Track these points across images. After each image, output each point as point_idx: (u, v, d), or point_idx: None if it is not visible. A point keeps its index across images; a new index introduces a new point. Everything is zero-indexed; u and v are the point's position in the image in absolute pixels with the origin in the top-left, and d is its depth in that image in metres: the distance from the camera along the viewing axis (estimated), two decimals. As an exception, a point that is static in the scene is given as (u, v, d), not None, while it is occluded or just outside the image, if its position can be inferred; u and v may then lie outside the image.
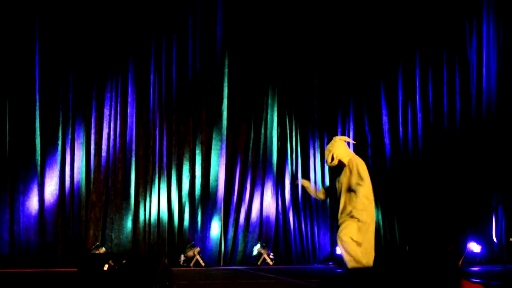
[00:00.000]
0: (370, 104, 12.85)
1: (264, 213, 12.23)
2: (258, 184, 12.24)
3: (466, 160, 12.35)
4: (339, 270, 9.03)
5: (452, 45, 12.66)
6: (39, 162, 11.21)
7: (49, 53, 11.38)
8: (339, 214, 8.43)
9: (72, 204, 11.34)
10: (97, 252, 10.87)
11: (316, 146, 12.56)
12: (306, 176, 12.10)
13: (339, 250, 8.85)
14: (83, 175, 11.45)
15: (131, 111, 11.75)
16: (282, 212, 12.36)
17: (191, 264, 11.37)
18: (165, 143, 11.89)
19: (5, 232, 11.01)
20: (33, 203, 11.13)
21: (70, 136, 11.44)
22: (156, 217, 11.67)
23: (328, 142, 12.52)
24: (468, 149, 12.36)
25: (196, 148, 12.00)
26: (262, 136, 12.40)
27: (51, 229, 11.20)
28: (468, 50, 12.56)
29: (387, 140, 12.69)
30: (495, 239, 11.80)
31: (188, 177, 11.90)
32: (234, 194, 12.12)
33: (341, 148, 8.75)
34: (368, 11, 12.80)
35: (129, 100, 11.75)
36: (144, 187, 11.73)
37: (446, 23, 12.71)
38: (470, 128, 12.43)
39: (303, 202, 12.41)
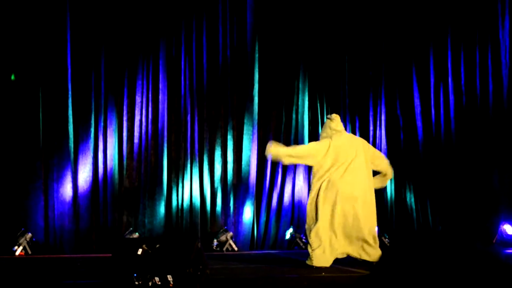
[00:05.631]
0: (402, 87, 12.77)
1: (296, 198, 12.23)
2: (290, 168, 12.23)
3: (499, 141, 12.22)
4: None
5: (484, 25, 12.50)
6: (72, 149, 11.30)
7: (81, 41, 11.45)
8: None
9: (106, 191, 11.43)
10: (130, 237, 10.95)
11: (347, 129, 12.49)
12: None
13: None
14: (116, 162, 11.53)
15: (162, 97, 11.79)
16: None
17: (224, 249, 11.42)
18: (196, 128, 11.93)
19: (40, 218, 11.13)
20: (67, 190, 11.24)
21: (102, 123, 11.52)
22: (189, 203, 11.73)
23: (360, 126, 12.63)
24: (501, 131, 12.23)
25: (228, 133, 12.01)
26: (294, 121, 12.39)
27: (85, 216, 11.31)
28: (500, 31, 12.41)
29: (419, 123, 12.61)
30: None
31: (220, 163, 11.93)
32: (266, 179, 12.13)
33: (324, 129, 9.09)
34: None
35: (160, 86, 11.79)
36: (176, 173, 11.78)
37: (478, 4, 12.56)
38: (503, 110, 12.29)
39: (335, 186, 12.38)
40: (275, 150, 8.84)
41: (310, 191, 8.80)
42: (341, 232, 8.53)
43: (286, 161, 9.00)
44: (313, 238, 8.46)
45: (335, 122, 8.96)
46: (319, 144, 8.86)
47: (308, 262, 8.49)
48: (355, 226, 8.55)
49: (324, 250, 8.40)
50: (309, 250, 8.52)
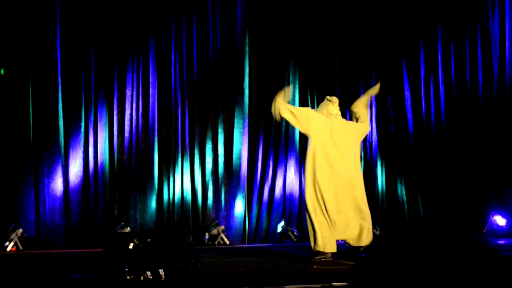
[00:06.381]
0: (392, 79, 12.77)
1: (287, 190, 12.23)
2: (281, 161, 12.24)
3: (489, 133, 12.24)
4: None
5: (474, 17, 12.50)
6: (62, 144, 11.27)
7: (70, 35, 11.40)
8: None
9: (97, 185, 11.41)
10: (122, 231, 10.94)
11: (338, 122, 12.49)
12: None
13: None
14: (107, 156, 11.51)
15: (152, 91, 11.77)
16: (305, 189, 12.33)
17: (216, 242, 11.42)
18: (187, 122, 11.91)
19: (31, 214, 11.10)
20: (57, 185, 11.21)
21: (93, 118, 11.48)
22: (180, 197, 11.71)
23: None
24: (491, 122, 12.25)
25: (219, 126, 12.00)
26: (284, 114, 12.36)
27: (76, 210, 11.29)
28: (490, 22, 12.41)
29: (409, 115, 12.61)
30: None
31: (211, 156, 11.92)
32: (257, 172, 12.12)
33: (320, 109, 9.03)
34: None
35: (150, 80, 11.77)
36: (167, 167, 11.77)
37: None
38: (493, 101, 12.31)
39: (326, 179, 12.38)
40: (281, 101, 8.75)
41: (306, 174, 8.63)
42: (342, 216, 8.45)
43: (285, 114, 8.72)
44: (313, 218, 8.37)
45: (334, 105, 8.87)
46: (316, 111, 8.88)
47: (316, 248, 8.34)
48: (356, 208, 8.53)
49: (322, 235, 8.33)
50: (311, 233, 8.41)
